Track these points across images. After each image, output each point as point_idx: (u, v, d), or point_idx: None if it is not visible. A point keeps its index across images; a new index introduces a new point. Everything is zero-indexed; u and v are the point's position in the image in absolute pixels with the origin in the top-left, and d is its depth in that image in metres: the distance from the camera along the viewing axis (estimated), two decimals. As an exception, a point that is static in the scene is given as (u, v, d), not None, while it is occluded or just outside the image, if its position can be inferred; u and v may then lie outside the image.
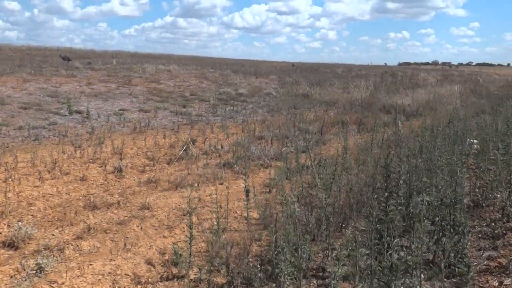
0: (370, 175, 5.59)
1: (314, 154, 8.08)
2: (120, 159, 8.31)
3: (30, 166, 7.67)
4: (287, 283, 3.40)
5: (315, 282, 3.78)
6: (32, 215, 5.53)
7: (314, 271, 4.00)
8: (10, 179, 6.86)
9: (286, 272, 3.31)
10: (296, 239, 3.42)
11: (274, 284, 3.52)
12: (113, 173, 7.51)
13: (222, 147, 9.26)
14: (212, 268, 3.87)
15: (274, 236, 3.44)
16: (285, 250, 3.30)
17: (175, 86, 19.21)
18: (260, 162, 8.08)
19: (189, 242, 3.95)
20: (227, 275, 3.83)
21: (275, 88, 21.36)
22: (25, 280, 3.86)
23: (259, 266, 3.62)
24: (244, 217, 5.31)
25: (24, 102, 13.10)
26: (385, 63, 50.61)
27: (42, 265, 3.98)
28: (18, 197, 6.19)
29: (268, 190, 6.60)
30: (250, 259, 3.91)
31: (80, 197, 6.27)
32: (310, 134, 10.83)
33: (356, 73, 39.17)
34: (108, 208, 5.76)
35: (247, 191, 4.96)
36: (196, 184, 6.72)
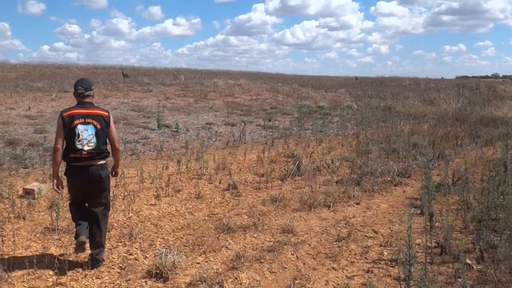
0: None
1: (442, 170, 7.12)
2: (229, 174, 7.66)
3: (138, 182, 7.17)
4: None
5: None
6: (162, 238, 4.91)
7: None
8: (122, 196, 6.34)
9: None
10: None
11: None
12: (228, 190, 6.85)
13: (332, 161, 8.42)
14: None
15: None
16: None
17: (252, 100, 18.68)
18: (388, 178, 7.16)
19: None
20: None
21: (352, 101, 20.36)
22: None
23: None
24: (419, 245, 4.41)
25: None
26: (441, 77, 48.12)
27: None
28: (138, 216, 5.63)
29: (420, 212, 5.66)
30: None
31: (206, 217, 5.62)
32: (420, 148, 9.77)
33: (425, 86, 37.39)
34: (245, 231, 5.05)
35: (431, 215, 4.05)
36: (331, 205, 5.89)
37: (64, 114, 3.89)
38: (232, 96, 19.51)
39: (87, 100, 4.01)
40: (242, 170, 8.30)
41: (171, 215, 5.72)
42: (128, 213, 5.68)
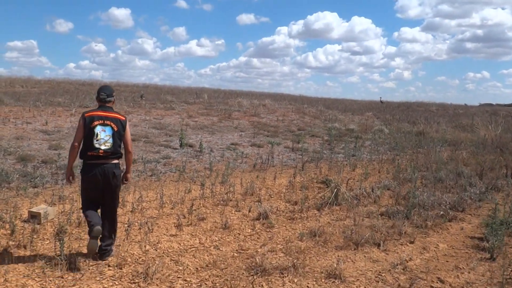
0: None
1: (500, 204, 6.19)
2: (259, 201, 6.87)
3: (157, 207, 6.43)
4: None
5: None
6: (184, 280, 4.12)
7: None
8: (139, 223, 5.60)
9: None
10: None
11: None
12: (258, 219, 6.05)
13: (372, 190, 7.55)
14: None
15: None
16: None
17: (278, 121, 17.95)
18: (441, 212, 6.25)
19: None
20: None
21: (381, 124, 19.44)
22: None
23: None
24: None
25: (131, 134, 12.29)
26: (465, 104, 46.78)
27: None
28: (156, 250, 4.87)
29: (489, 256, 4.75)
30: None
31: (235, 253, 4.81)
32: (467, 177, 8.81)
33: (453, 111, 36.18)
34: (282, 273, 4.22)
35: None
36: (381, 243, 5.02)
37: (85, 115, 4.28)
38: (258, 116, 18.82)
39: (108, 105, 4.40)
40: (272, 196, 7.50)
41: (194, 249, 4.94)
42: (145, 246, 4.92)
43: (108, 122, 4.25)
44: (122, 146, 4.48)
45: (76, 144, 4.23)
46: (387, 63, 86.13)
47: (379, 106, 38.24)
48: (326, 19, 79.67)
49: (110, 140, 4.23)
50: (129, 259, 4.52)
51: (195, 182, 8.16)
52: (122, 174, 4.49)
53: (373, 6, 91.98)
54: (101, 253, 4.38)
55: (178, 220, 5.76)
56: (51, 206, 6.12)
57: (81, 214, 5.80)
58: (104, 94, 4.37)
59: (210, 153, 10.89)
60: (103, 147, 4.20)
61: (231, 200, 7.00)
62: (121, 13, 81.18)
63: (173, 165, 9.44)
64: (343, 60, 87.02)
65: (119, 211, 6.16)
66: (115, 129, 4.28)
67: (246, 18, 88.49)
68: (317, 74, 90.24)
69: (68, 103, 17.69)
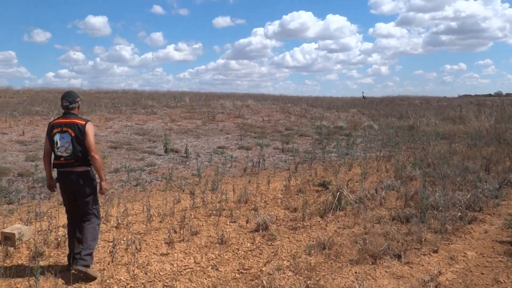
0: None
1: None
2: (255, 210, 6.27)
3: (145, 221, 5.79)
4: None
5: None
6: (181, 311, 3.48)
7: None
8: (125, 241, 4.95)
9: None
10: None
11: None
12: (258, 231, 5.45)
13: (376, 191, 7.02)
14: None
15: None
16: None
17: (264, 121, 17.36)
18: (459, 214, 5.72)
19: None
20: None
21: (369, 120, 19.02)
22: None
23: None
24: None
25: (112, 141, 11.59)
26: (444, 96, 47.04)
27: None
28: (146, 273, 4.23)
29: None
30: None
31: (236, 274, 4.20)
32: (473, 173, 8.34)
33: (437, 104, 36.14)
34: (296, 298, 3.61)
35: None
36: (401, 254, 4.46)
37: (49, 124, 4.23)
38: (242, 117, 18.21)
39: (73, 111, 4.22)
40: (268, 203, 6.91)
41: (189, 270, 4.32)
42: (133, 269, 4.27)
43: (65, 129, 4.09)
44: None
45: (44, 153, 4.22)
46: (364, 59, 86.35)
47: (362, 102, 37.95)
48: (301, 19, 79.42)
49: (70, 147, 4.07)
50: (115, 287, 3.87)
51: (183, 191, 7.53)
52: (95, 182, 4.24)
53: (347, 3, 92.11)
54: (73, 262, 4.16)
55: (168, 235, 5.13)
56: (26, 225, 5.43)
57: (60, 233, 5.14)
58: (67, 102, 4.20)
59: (197, 158, 10.24)
60: (64, 154, 4.08)
61: (224, 210, 6.38)
62: (98, 21, 79.63)
63: (159, 173, 8.77)
64: (320, 59, 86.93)
65: (102, 227, 5.50)
66: (73, 134, 4.08)
67: (222, 21, 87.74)
68: (295, 73, 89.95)
69: (46, 112, 16.83)
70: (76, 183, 4.11)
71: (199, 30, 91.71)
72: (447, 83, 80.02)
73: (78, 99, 4.28)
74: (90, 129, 4.13)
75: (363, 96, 43.21)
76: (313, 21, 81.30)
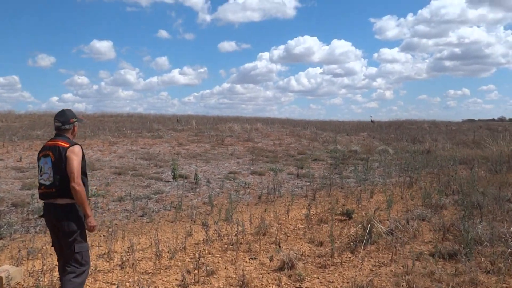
0: None
1: None
2: (277, 244, 5.61)
3: (153, 258, 5.14)
4: None
5: None
6: None
7: None
8: (131, 284, 4.29)
9: None
10: None
11: None
12: (282, 270, 4.77)
13: (408, 221, 6.35)
14: None
15: None
16: None
17: (275, 145, 16.76)
18: (508, 250, 5.03)
19: None
20: None
21: (382, 144, 18.41)
22: None
23: None
24: None
25: (116, 167, 10.99)
26: (448, 121, 46.56)
27: None
28: (157, 325, 3.55)
29: None
30: None
31: (265, 327, 3.51)
32: (505, 201, 7.67)
33: (445, 128, 35.57)
34: None
35: None
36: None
37: None
38: (252, 141, 17.62)
39: (66, 134, 3.64)
40: (288, 234, 6.26)
41: (208, 321, 3.64)
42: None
43: (48, 152, 3.50)
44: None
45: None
46: (369, 84, 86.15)
47: (370, 126, 37.43)
48: (306, 44, 79.57)
49: (52, 174, 3.44)
50: None
51: (195, 222, 6.90)
52: (81, 218, 3.52)
53: (352, 29, 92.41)
54: None
55: (182, 277, 4.46)
56: (17, 266, 4.79)
57: (55, 274, 4.51)
58: (58, 122, 3.62)
59: (208, 184, 9.61)
60: (47, 183, 3.45)
61: (241, 243, 5.73)
62: (103, 45, 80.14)
63: (167, 201, 8.14)
64: (325, 83, 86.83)
65: (105, 265, 4.87)
66: (52, 159, 3.44)
67: (228, 45, 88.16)
68: (300, 97, 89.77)
69: (47, 136, 16.30)
70: (55, 218, 3.45)
71: (205, 55, 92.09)
72: (451, 108, 79.61)
73: (74, 120, 3.68)
74: (73, 153, 3.45)
75: (371, 120, 42.65)
76: (318, 46, 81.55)
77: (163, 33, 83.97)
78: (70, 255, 3.50)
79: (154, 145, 15.27)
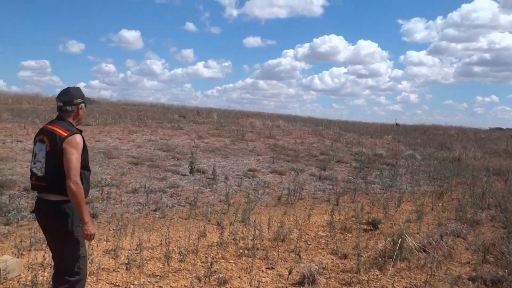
0: None
1: None
2: (297, 254, 5.12)
3: (162, 259, 4.72)
4: None
5: None
6: None
7: None
8: (136, 287, 3.88)
9: None
10: None
11: None
12: (302, 285, 4.30)
13: (442, 237, 5.79)
14: None
15: None
16: None
17: (297, 144, 16.23)
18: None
19: None
20: None
21: (408, 149, 17.69)
22: None
23: None
24: None
25: (133, 156, 10.65)
26: (475, 128, 45.13)
27: None
28: None
29: None
30: None
31: None
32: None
33: (474, 136, 34.39)
34: None
35: None
36: None
37: None
38: (273, 138, 17.13)
39: (67, 117, 2.99)
40: (309, 242, 5.76)
41: None
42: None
43: (44, 138, 2.90)
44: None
45: None
46: (393, 86, 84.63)
47: (395, 129, 36.54)
48: (332, 42, 78.52)
49: (45, 165, 2.87)
50: None
51: (209, 221, 6.46)
52: (75, 221, 2.89)
53: (379, 29, 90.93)
54: None
55: (191, 284, 4.03)
56: (18, 257, 4.43)
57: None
58: (60, 101, 2.98)
59: (225, 181, 9.16)
60: (39, 173, 2.89)
61: (258, 249, 5.26)
62: (131, 35, 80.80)
63: (182, 196, 7.72)
64: (349, 83, 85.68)
65: (111, 263, 4.47)
66: (48, 148, 2.86)
67: (253, 41, 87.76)
68: (323, 96, 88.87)
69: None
70: (45, 216, 2.89)
71: (230, 49, 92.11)
72: (477, 114, 77.52)
73: (79, 100, 3.00)
74: (71, 145, 2.80)
75: (396, 123, 41.74)
76: (344, 46, 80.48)
77: (190, 26, 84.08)
78: (61, 262, 2.96)
79: (173, 136, 14.92)
